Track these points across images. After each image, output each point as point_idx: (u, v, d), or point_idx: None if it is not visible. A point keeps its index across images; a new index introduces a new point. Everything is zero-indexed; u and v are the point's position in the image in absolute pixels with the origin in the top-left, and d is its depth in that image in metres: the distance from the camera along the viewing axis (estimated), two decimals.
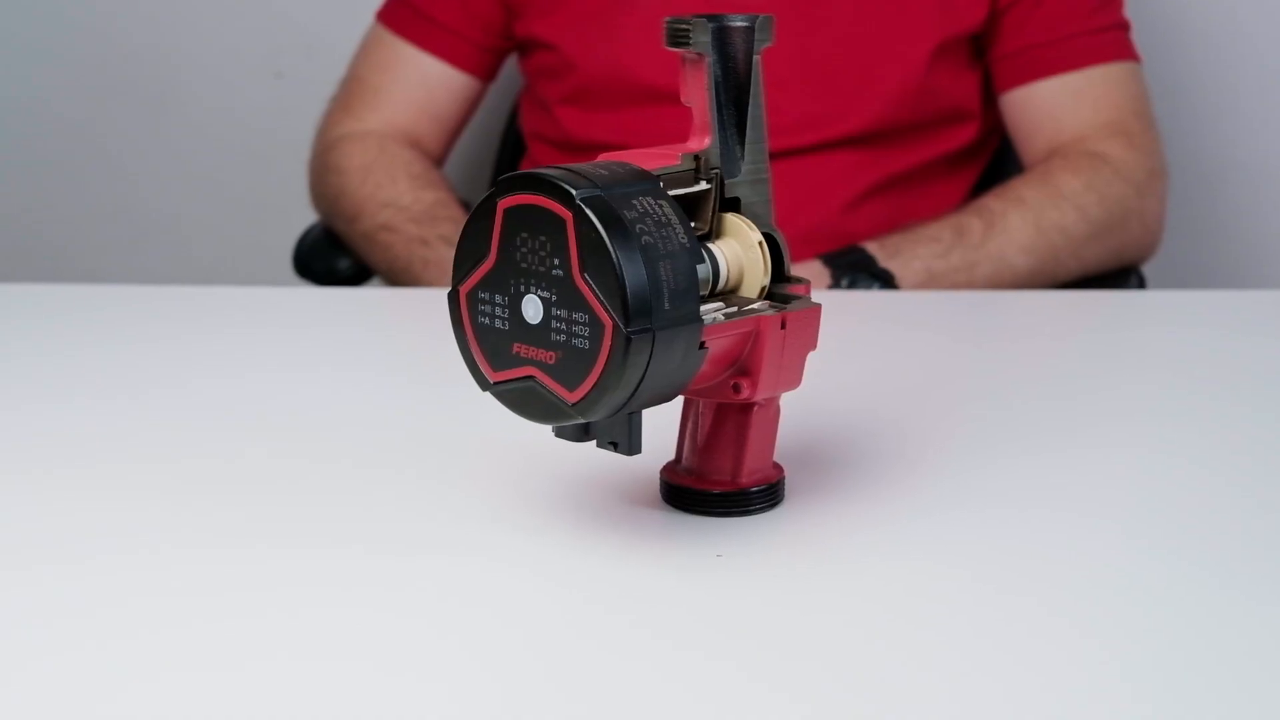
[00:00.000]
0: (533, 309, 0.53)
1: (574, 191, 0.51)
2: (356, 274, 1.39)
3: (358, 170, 1.35)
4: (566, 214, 0.52)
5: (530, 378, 0.54)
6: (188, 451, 0.69)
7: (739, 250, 0.58)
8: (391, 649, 0.49)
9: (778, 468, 0.62)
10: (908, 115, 1.31)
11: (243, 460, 0.68)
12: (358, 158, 1.36)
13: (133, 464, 0.67)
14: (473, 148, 1.67)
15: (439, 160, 1.43)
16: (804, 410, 0.69)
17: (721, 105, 0.58)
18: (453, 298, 0.56)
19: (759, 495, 0.61)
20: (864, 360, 0.83)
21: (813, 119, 1.29)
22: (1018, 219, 1.22)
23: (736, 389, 0.57)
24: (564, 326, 0.52)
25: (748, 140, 0.59)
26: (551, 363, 0.53)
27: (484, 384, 0.56)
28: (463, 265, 0.55)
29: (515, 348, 0.54)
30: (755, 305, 0.57)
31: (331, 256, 1.40)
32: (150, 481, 0.65)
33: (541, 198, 0.52)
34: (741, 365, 0.57)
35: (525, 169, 0.52)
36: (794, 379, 0.59)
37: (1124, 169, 1.28)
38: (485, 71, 1.42)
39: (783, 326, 0.57)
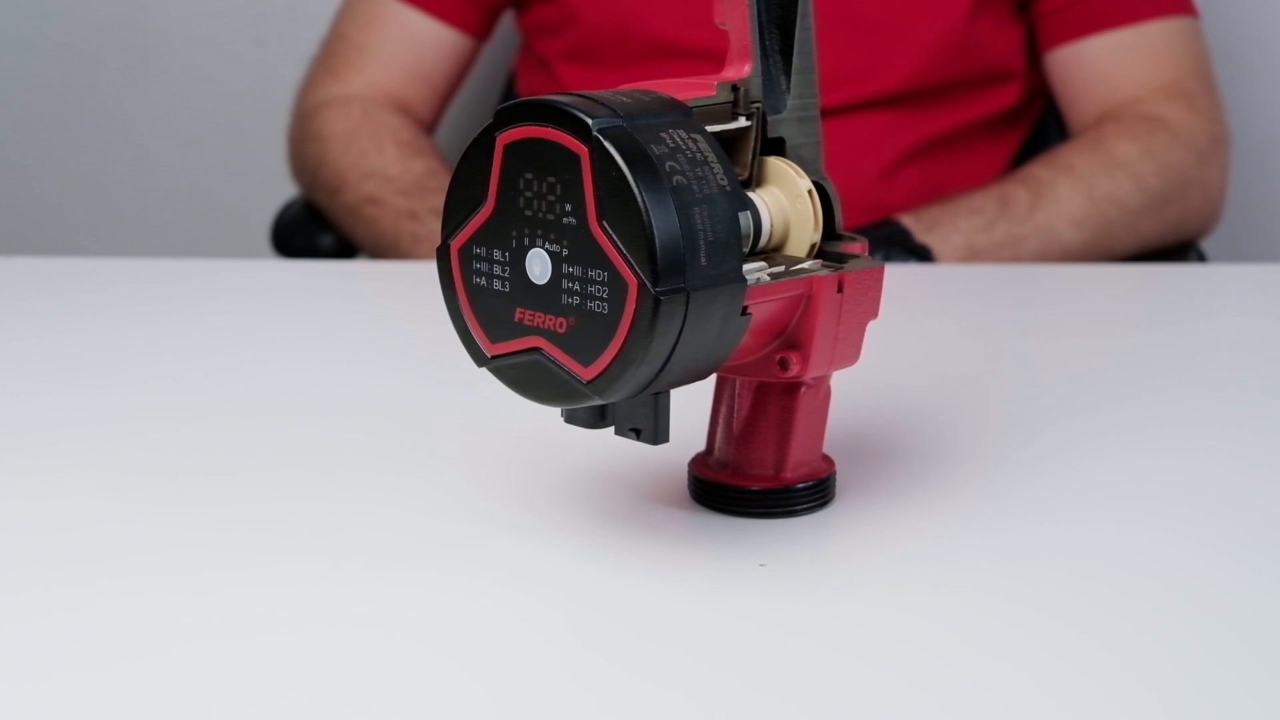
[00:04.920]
0: (539, 266, 0.45)
1: (590, 121, 0.44)
2: (340, 251, 1.33)
3: (340, 137, 1.29)
4: (581, 149, 0.44)
5: (536, 349, 0.46)
6: (146, 443, 0.62)
7: (783, 200, 0.51)
8: (374, 680, 0.41)
9: (828, 460, 0.54)
10: (945, 73, 1.25)
11: (207, 454, 0.60)
12: (340, 123, 1.29)
13: (82, 454, 0.60)
14: (466, 114, 1.60)
15: (429, 126, 1.36)
16: (851, 393, 0.61)
17: (764, 26, 0.51)
18: (442, 254, 0.48)
19: (806, 493, 0.53)
20: (906, 341, 0.75)
21: (842, 75, 1.22)
22: (1068, 189, 1.15)
23: (784, 365, 0.49)
24: (577, 287, 0.44)
25: (794, 70, 0.51)
26: (562, 331, 0.45)
27: (480, 358, 0.48)
28: (454, 215, 0.48)
29: (518, 314, 0.46)
30: (805, 264, 0.49)
31: (313, 232, 1.34)
32: (101, 476, 0.57)
33: (550, 129, 0.44)
34: (789, 336, 0.49)
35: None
36: (851, 353, 0.51)
37: (1184, 134, 1.21)
38: (479, 28, 1.36)
39: (840, 290, 0.49)
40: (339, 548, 0.51)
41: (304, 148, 1.32)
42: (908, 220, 1.12)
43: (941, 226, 1.12)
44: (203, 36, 1.79)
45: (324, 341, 0.79)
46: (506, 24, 1.41)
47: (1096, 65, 1.25)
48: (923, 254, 1.10)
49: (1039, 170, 1.17)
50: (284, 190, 1.41)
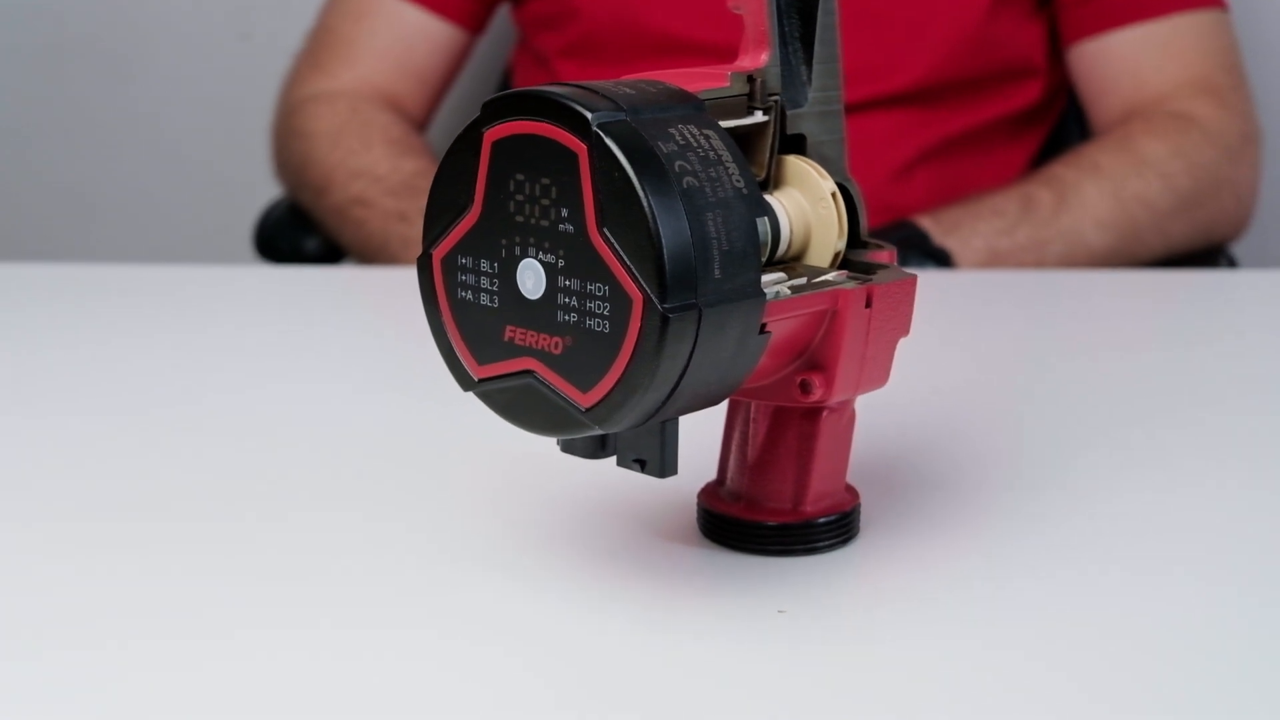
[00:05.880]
0: (532, 279, 0.41)
1: (589, 115, 0.39)
2: (326, 253, 1.30)
3: (327, 134, 1.25)
4: (579, 146, 0.39)
5: (528, 372, 0.41)
6: (93, 474, 0.57)
7: (804, 204, 0.46)
8: None
9: (852, 491, 0.50)
10: (963, 69, 1.21)
11: (158, 488, 0.56)
12: (327, 120, 1.25)
13: (44, 477, 0.55)
14: (459, 111, 1.56)
15: (421, 124, 1.32)
16: (874, 412, 0.57)
17: (783, 11, 0.46)
18: (423, 265, 0.44)
19: (828, 528, 0.48)
20: (929, 354, 0.71)
21: (856, 72, 1.17)
22: (1094, 189, 1.11)
23: (805, 388, 0.45)
24: (575, 303, 0.40)
25: (816, 59, 0.47)
26: (557, 352, 0.41)
27: (466, 381, 0.43)
28: (437, 221, 0.43)
29: (508, 332, 0.42)
30: (829, 276, 0.45)
31: (297, 234, 1.30)
32: (63, 503, 0.53)
33: (544, 125, 0.40)
34: (811, 356, 0.45)
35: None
36: (880, 375, 0.46)
37: (1214, 132, 1.17)
38: (473, 22, 1.32)
39: (868, 305, 0.45)
40: (295, 600, 0.46)
41: (288, 145, 1.28)
42: (926, 222, 1.08)
43: (961, 228, 1.08)
44: (187, 30, 1.75)
45: (303, 357, 0.74)
46: (503, 17, 1.37)
47: (1122, 61, 1.21)
48: (942, 258, 1.06)
49: (1063, 170, 1.13)
50: (270, 190, 1.37)
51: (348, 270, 1.16)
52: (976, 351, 0.75)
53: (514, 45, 1.38)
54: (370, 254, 1.19)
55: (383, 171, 1.20)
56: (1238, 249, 1.23)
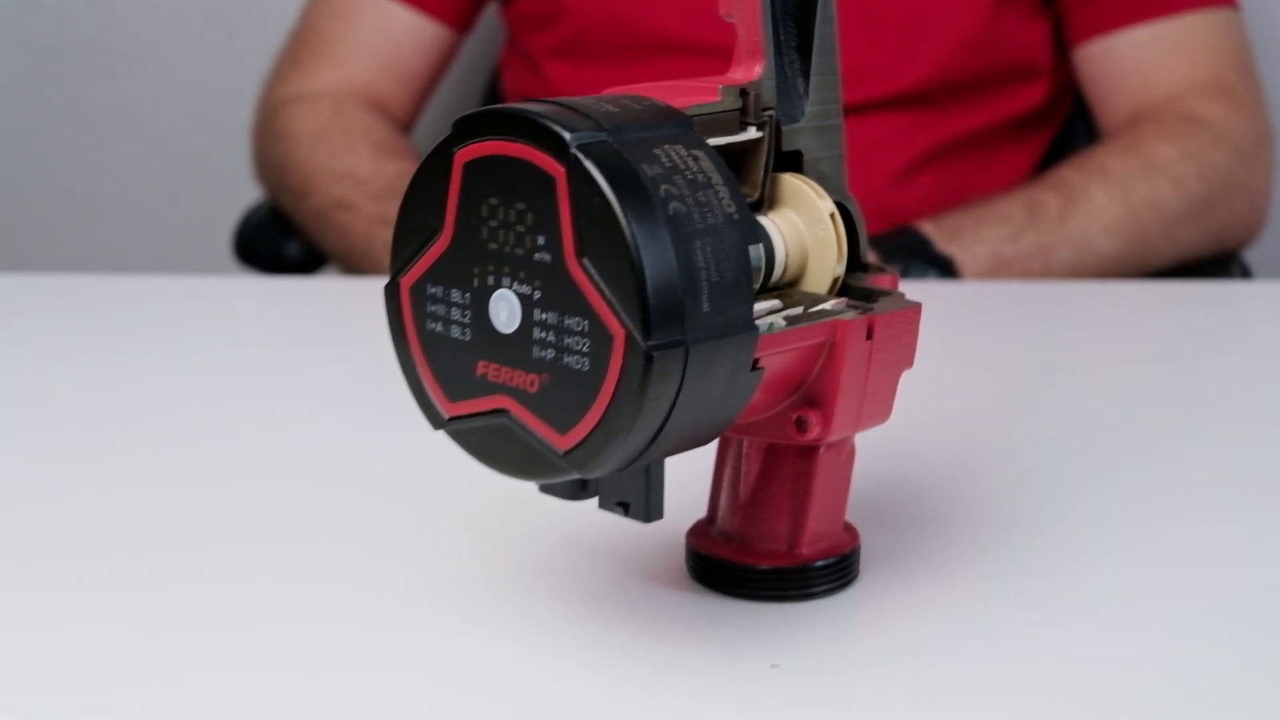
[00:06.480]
0: (506, 311, 0.38)
1: (568, 135, 0.36)
2: (307, 259, 1.27)
3: (309, 136, 1.22)
4: (557, 169, 0.36)
5: (502, 412, 0.39)
6: (36, 505, 0.54)
7: (800, 226, 0.44)
8: None
9: (851, 531, 0.47)
10: (965, 70, 1.18)
11: (127, 513, 0.53)
12: (309, 121, 1.23)
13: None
14: (446, 112, 1.54)
15: (406, 125, 1.30)
16: (874, 442, 0.54)
17: (778, 19, 0.43)
18: (391, 294, 0.41)
19: (825, 573, 0.46)
20: (931, 374, 0.68)
21: (856, 74, 1.15)
22: (1102, 194, 1.08)
23: (801, 426, 0.42)
24: (552, 337, 0.37)
25: (814, 70, 0.44)
26: (533, 391, 0.38)
27: (435, 420, 0.41)
28: (405, 246, 0.40)
29: (481, 368, 0.39)
30: (828, 305, 0.42)
31: (278, 239, 1.28)
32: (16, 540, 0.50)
33: (519, 145, 0.37)
34: (808, 392, 0.42)
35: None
36: (881, 410, 0.44)
37: (1227, 134, 1.14)
38: (459, 20, 1.29)
39: (869, 336, 0.42)
40: (254, 660, 0.43)
41: (268, 147, 1.25)
42: (928, 228, 1.05)
43: (965, 235, 1.05)
44: (170, 27, 1.73)
45: (277, 377, 0.71)
46: (492, 15, 1.34)
47: (1130, 61, 1.18)
48: (944, 265, 1.03)
49: (1070, 174, 1.11)
50: (251, 193, 1.34)
51: (329, 281, 1.13)
52: (981, 369, 0.72)
53: (503, 45, 1.35)
54: (353, 260, 1.16)
55: (366, 174, 1.18)
56: (1251, 255, 1.21)
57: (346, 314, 0.89)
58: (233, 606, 0.45)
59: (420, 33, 1.27)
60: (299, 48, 1.29)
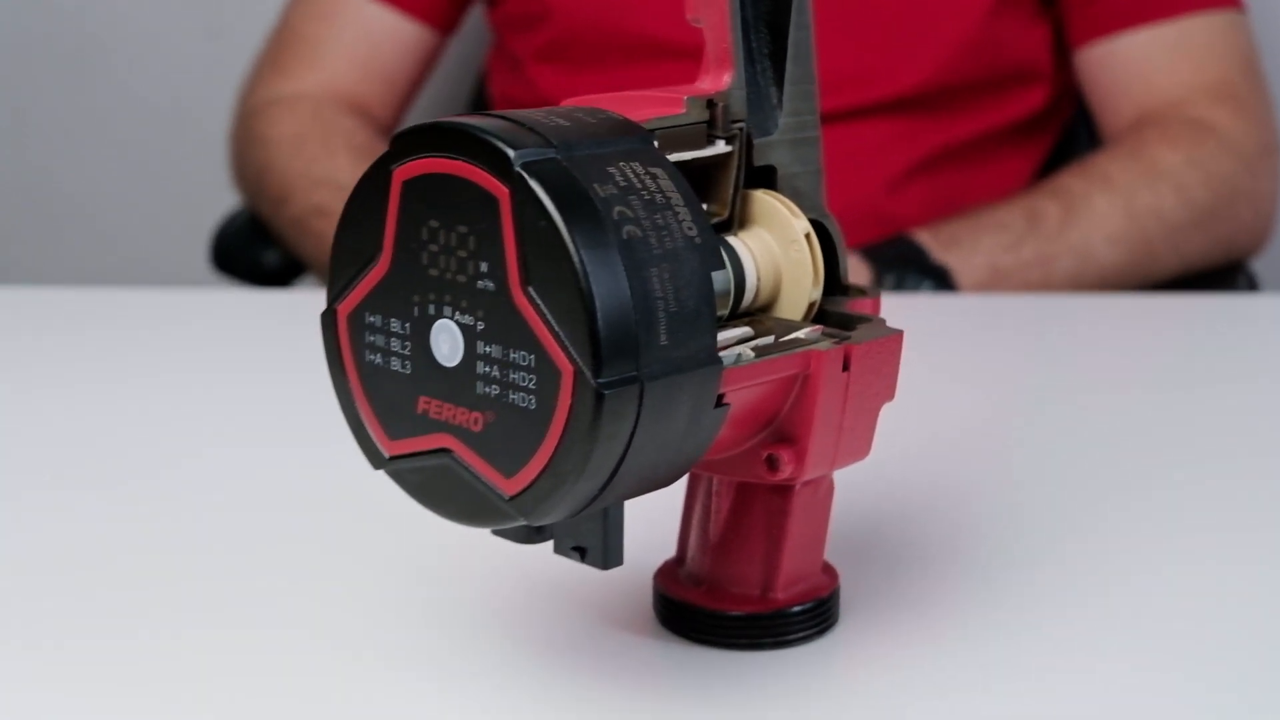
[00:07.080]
0: (448, 343, 0.35)
1: (512, 153, 0.34)
2: (286, 268, 1.25)
3: (288, 140, 1.20)
4: (500, 189, 0.34)
5: (445, 451, 0.36)
6: (19, 529, 0.52)
7: (773, 247, 0.41)
8: None
9: (829, 573, 0.44)
10: (963, 74, 1.15)
11: (67, 554, 0.50)
12: (288, 125, 1.20)
13: None
14: (430, 116, 1.51)
15: (388, 130, 1.27)
16: (855, 473, 0.51)
17: (749, 24, 0.41)
18: (327, 322, 0.38)
19: (802, 618, 0.43)
20: (920, 387, 0.65)
21: (850, 77, 1.13)
22: (1104, 202, 1.06)
23: (773, 464, 0.39)
24: (496, 372, 0.34)
25: (788, 79, 0.42)
26: (477, 430, 0.35)
27: (376, 459, 0.38)
28: (342, 272, 0.38)
29: (422, 404, 0.36)
30: (801, 334, 0.39)
31: (255, 248, 1.25)
32: None
33: (461, 163, 0.34)
34: (780, 428, 0.39)
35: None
36: (859, 447, 0.41)
37: (1233, 141, 1.11)
38: (443, 22, 1.27)
39: (845, 367, 0.39)
40: (212, 697, 0.40)
41: (246, 152, 1.23)
42: (923, 237, 1.02)
43: (962, 244, 1.02)
44: (149, 28, 1.71)
45: (243, 402, 0.69)
46: (478, 17, 1.32)
47: (1133, 64, 1.15)
48: (940, 275, 1.00)
49: (1071, 181, 1.08)
50: (231, 199, 1.32)
51: (303, 293, 1.11)
52: (975, 390, 0.69)
53: (489, 47, 1.33)
54: None
55: (346, 180, 1.15)
56: (1258, 265, 1.18)
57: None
58: (185, 659, 0.43)
59: (401, 34, 1.24)
60: (278, 50, 1.26)
